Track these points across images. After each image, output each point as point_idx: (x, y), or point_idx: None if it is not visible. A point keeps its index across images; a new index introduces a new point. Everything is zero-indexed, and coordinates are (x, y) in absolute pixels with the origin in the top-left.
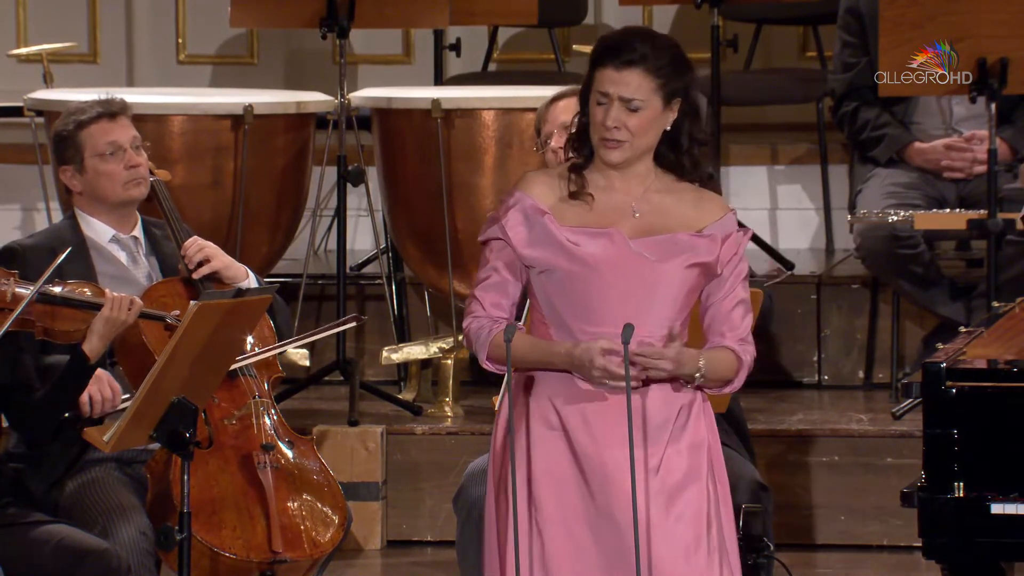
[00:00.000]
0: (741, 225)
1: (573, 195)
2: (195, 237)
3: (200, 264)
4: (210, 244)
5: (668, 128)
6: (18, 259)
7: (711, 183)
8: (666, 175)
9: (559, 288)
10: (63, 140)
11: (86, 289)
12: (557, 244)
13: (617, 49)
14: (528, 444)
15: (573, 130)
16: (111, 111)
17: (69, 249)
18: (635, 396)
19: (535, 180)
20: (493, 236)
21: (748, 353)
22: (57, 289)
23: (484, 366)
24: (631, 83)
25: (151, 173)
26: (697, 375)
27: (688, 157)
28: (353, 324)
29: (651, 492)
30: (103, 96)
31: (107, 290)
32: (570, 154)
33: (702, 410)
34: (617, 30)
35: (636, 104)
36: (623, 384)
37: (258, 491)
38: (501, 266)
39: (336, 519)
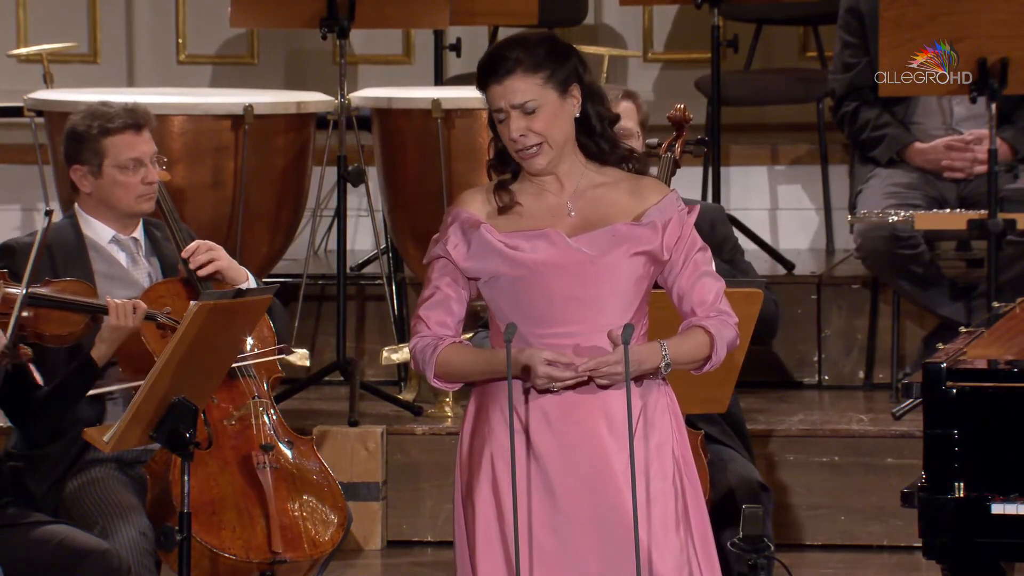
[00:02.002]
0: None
1: (502, 211)
2: (199, 240)
3: (203, 265)
4: (217, 245)
5: (578, 116)
6: (15, 256)
7: (637, 160)
8: (594, 165)
9: (505, 295)
10: (82, 140)
11: (74, 288)
12: (496, 252)
13: (491, 65)
14: (492, 450)
15: (490, 155)
16: (137, 123)
17: (36, 245)
18: (596, 396)
19: (470, 196)
20: (435, 256)
21: (725, 324)
22: (45, 290)
23: (433, 384)
24: (515, 88)
25: None
26: (662, 366)
27: (603, 140)
28: (281, 356)
29: (621, 491)
30: (128, 104)
31: (109, 297)
32: (493, 176)
33: (668, 410)
34: (487, 51)
35: (530, 105)
36: (567, 384)
37: (258, 491)
38: (444, 284)
39: (336, 519)
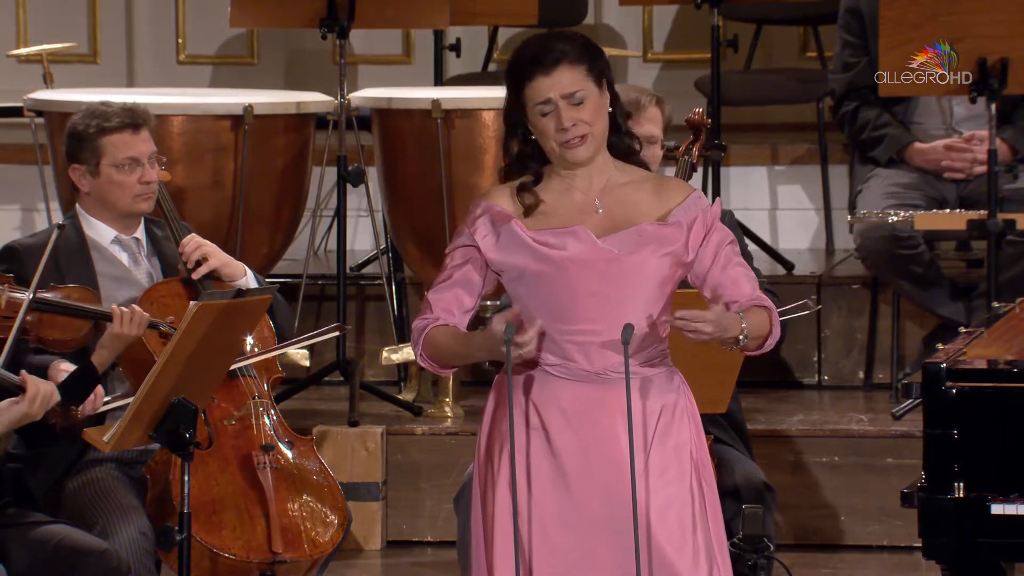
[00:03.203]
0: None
1: (527, 211)
2: (192, 235)
3: (198, 263)
4: (207, 242)
5: (610, 110)
6: (17, 258)
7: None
8: (619, 163)
9: (530, 291)
10: (81, 140)
11: (78, 295)
12: (524, 246)
13: (537, 58)
14: (511, 446)
15: (507, 160)
16: (135, 123)
17: (45, 255)
18: (614, 394)
19: (499, 191)
20: (461, 244)
21: (764, 300)
22: (50, 295)
23: (420, 363)
24: (565, 78)
25: None
26: (741, 336)
27: (628, 136)
28: (336, 334)
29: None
30: (127, 103)
31: (114, 305)
32: (508, 180)
33: (687, 412)
34: (520, 47)
35: (579, 95)
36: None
37: (258, 492)
38: (459, 272)
39: (336, 519)
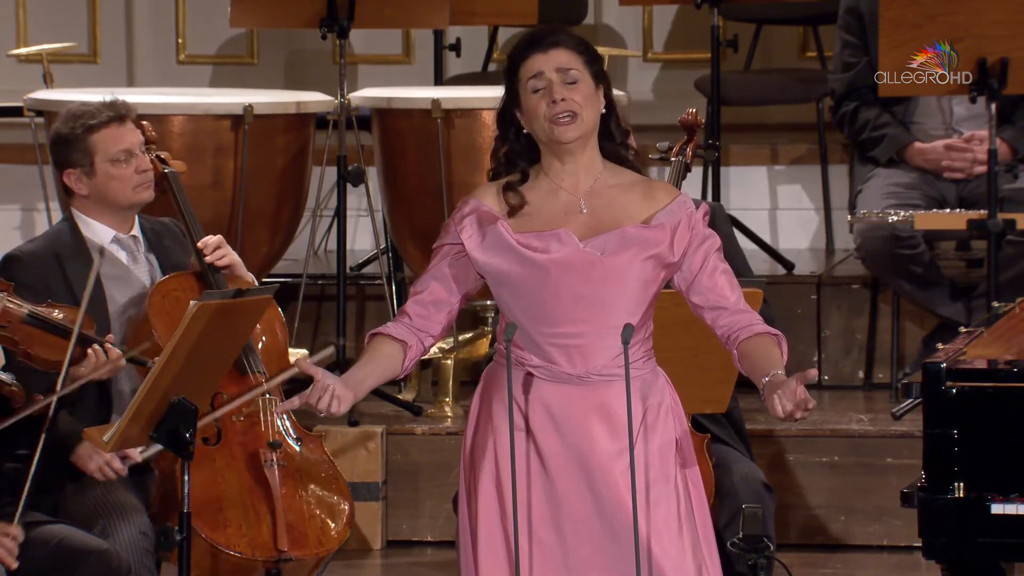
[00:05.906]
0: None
1: (512, 211)
2: (213, 236)
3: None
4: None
5: (603, 112)
6: (21, 267)
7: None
8: (611, 165)
9: (514, 293)
10: (69, 142)
11: (74, 319)
12: (509, 248)
13: (537, 38)
14: (495, 446)
15: (497, 158)
16: (120, 115)
17: (90, 283)
18: (597, 396)
19: (486, 190)
20: (448, 242)
21: (760, 321)
22: (44, 311)
23: None
24: (561, 56)
25: (166, 164)
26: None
27: (624, 148)
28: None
29: (622, 492)
30: (106, 98)
31: (95, 346)
32: (495, 179)
33: (671, 411)
34: (520, 37)
35: (573, 74)
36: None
37: (264, 489)
38: (437, 272)
39: (343, 517)
